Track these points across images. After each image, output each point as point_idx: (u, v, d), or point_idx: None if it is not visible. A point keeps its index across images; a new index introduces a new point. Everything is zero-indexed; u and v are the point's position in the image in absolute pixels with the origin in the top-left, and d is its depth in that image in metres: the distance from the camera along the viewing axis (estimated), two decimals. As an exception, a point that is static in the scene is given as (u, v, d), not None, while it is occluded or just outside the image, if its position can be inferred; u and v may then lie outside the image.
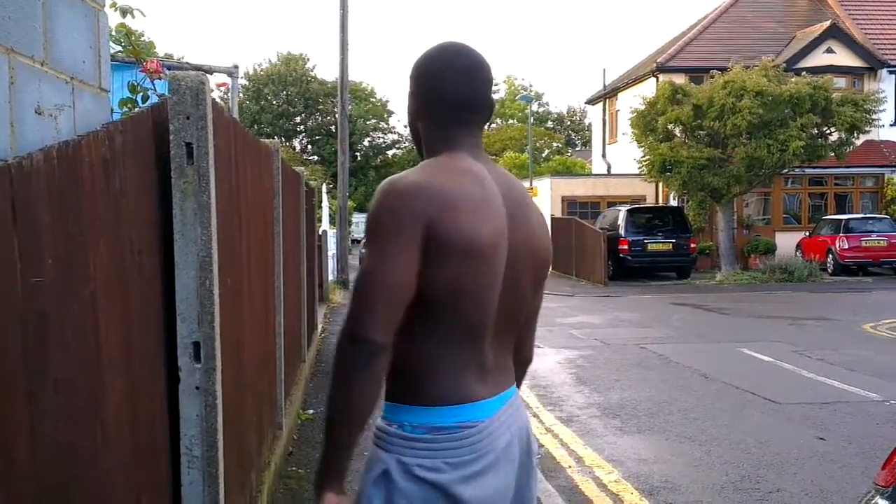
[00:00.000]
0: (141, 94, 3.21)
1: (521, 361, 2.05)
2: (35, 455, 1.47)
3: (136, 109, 3.04)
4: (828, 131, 20.84)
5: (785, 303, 16.02)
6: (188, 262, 2.42)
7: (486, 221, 1.76)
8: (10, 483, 1.37)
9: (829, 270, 21.63)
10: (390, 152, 58.24)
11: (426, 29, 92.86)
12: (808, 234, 23.55)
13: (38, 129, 1.79)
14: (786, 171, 21.88)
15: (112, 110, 2.59)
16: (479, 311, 1.77)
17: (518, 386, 2.06)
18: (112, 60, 2.50)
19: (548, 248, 1.97)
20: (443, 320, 1.75)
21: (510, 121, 54.18)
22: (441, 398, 1.75)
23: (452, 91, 1.88)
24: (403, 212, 1.69)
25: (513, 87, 56.57)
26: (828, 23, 26.19)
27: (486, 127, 2.17)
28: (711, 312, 14.60)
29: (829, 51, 25.68)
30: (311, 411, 6.79)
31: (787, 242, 23.76)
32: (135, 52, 3.52)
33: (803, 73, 21.95)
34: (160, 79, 3.20)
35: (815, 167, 22.97)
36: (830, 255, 21.78)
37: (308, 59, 54.96)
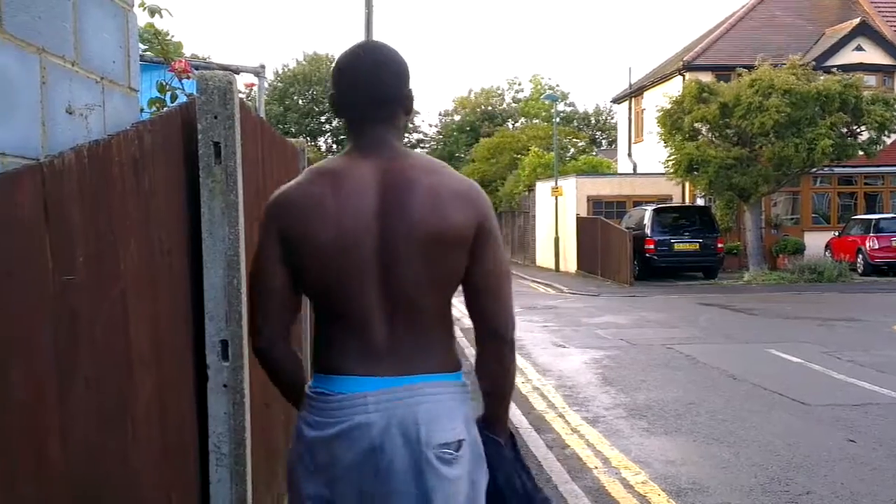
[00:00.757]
0: (170, 93, 3.22)
1: (491, 335, 2.01)
2: (66, 453, 1.47)
3: (165, 109, 3.05)
4: (857, 130, 20.59)
5: (814, 303, 15.85)
6: (216, 260, 2.43)
7: (333, 221, 1.89)
8: (42, 481, 1.38)
9: (858, 271, 21.38)
10: (415, 151, 58.06)
11: (451, 29, 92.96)
12: (837, 233, 23.29)
13: (69, 129, 1.80)
14: (814, 170, 21.65)
15: (141, 110, 2.60)
16: (345, 298, 1.93)
17: (496, 364, 2.02)
18: (140, 60, 2.51)
19: (439, 220, 1.89)
20: (321, 307, 2.00)
21: (535, 120, 53.97)
22: (322, 368, 2.00)
23: (361, 89, 1.96)
24: (265, 221, 1.98)
25: (539, 87, 56.32)
26: (857, 20, 25.88)
27: (411, 121, 2.25)
28: (739, 313, 14.47)
29: (859, 48, 25.36)
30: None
31: (815, 242, 23.51)
32: (163, 52, 3.54)
33: (833, 70, 21.70)
34: (188, 78, 3.21)
35: (844, 166, 22.71)
36: (860, 256, 21.52)
37: (334, 59, 55.02)
